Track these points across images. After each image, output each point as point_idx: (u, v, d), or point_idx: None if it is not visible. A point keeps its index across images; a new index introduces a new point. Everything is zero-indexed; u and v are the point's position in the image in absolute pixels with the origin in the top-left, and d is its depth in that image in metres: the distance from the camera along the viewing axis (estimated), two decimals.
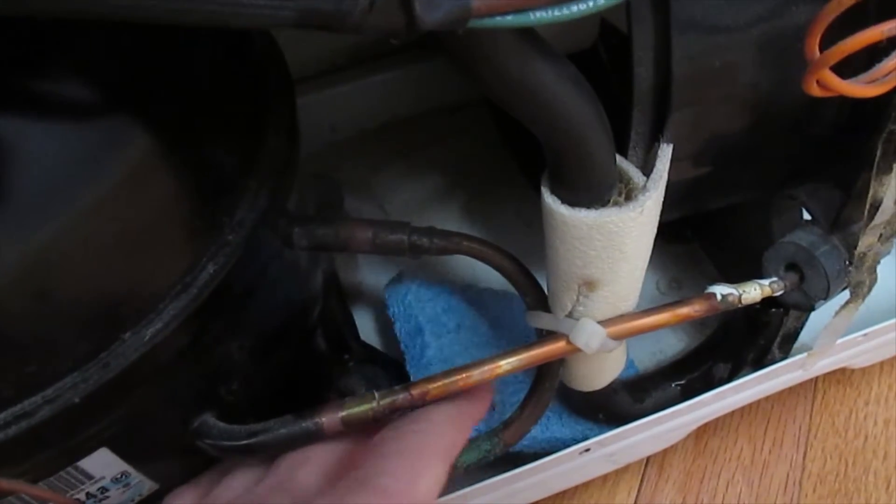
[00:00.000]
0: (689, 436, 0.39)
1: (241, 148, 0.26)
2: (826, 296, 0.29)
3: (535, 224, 0.47)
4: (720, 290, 0.28)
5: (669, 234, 0.44)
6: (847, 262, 0.29)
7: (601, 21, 0.37)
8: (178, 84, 0.25)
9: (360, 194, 0.50)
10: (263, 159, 0.26)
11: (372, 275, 0.45)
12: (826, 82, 0.21)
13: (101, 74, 0.23)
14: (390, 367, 0.37)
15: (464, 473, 0.30)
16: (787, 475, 0.40)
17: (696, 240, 0.43)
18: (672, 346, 0.41)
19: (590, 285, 0.26)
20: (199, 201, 0.24)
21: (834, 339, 0.34)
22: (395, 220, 0.29)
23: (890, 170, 0.25)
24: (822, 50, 0.20)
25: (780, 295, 0.29)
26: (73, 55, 0.23)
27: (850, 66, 0.21)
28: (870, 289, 0.30)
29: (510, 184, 0.49)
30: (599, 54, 0.40)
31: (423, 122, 0.54)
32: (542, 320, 0.29)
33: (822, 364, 0.37)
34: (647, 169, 0.25)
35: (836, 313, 0.31)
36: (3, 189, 0.21)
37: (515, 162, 0.48)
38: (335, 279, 0.40)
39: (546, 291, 0.29)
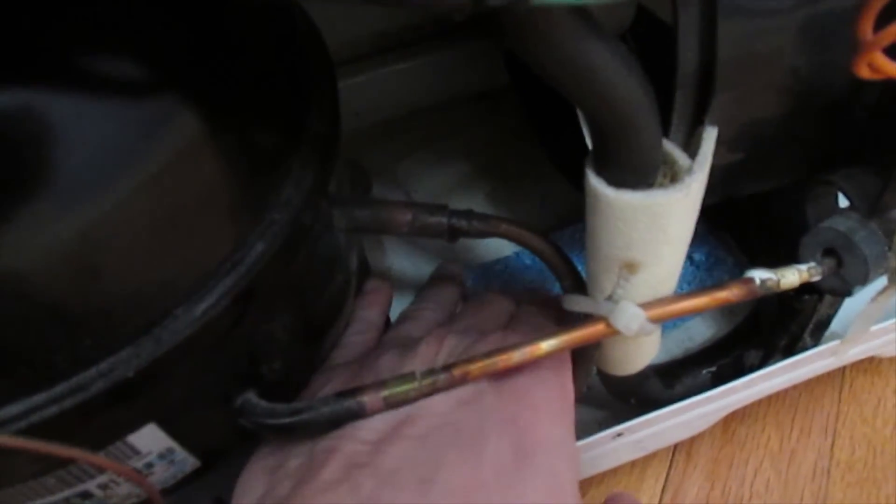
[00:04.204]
0: (716, 423, 0.39)
1: (285, 128, 0.26)
2: (865, 281, 0.29)
3: (561, 211, 0.47)
4: (759, 274, 0.28)
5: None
6: (886, 248, 0.29)
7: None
8: (223, 64, 0.25)
9: (386, 182, 0.50)
10: (307, 139, 0.26)
11: (399, 260, 0.45)
12: (877, 65, 0.21)
13: (149, 54, 0.23)
14: None
15: None
16: (816, 463, 0.40)
17: (724, 226, 0.43)
18: (701, 333, 0.41)
19: (631, 268, 0.26)
20: (246, 180, 0.24)
21: (867, 325, 0.34)
22: (433, 203, 0.29)
23: None
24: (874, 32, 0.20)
25: (818, 281, 0.29)
26: (121, 35, 0.23)
27: None
28: None
29: (536, 171, 0.49)
30: (627, 42, 0.40)
31: (447, 110, 0.55)
32: (580, 303, 0.29)
33: (854, 352, 0.38)
34: (689, 152, 0.25)
35: (873, 299, 0.31)
36: (55, 167, 0.21)
37: (544, 149, 0.48)
38: (366, 263, 0.40)
39: (584, 275, 0.29)
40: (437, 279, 0.39)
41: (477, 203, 0.49)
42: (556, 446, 0.27)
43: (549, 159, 0.47)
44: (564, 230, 0.44)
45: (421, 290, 0.38)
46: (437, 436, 0.25)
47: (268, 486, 0.25)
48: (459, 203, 0.48)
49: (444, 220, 0.29)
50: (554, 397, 0.28)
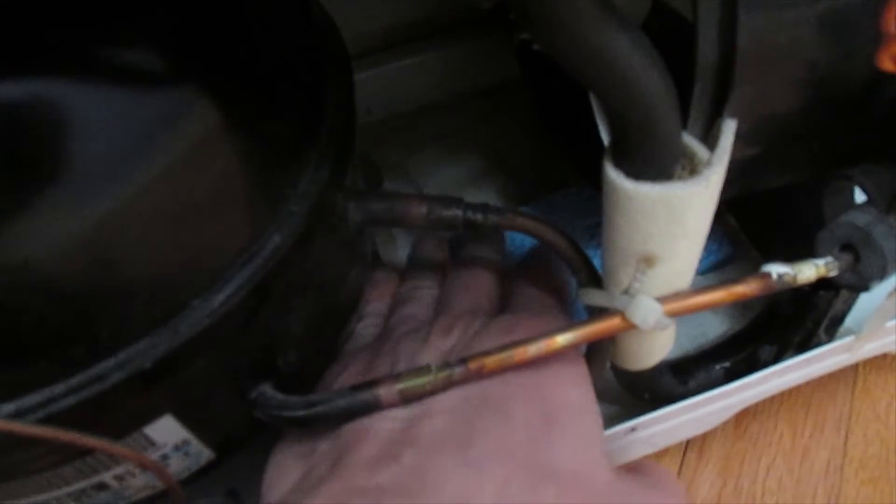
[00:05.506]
0: (729, 420, 0.39)
1: (302, 120, 0.26)
2: (882, 276, 0.29)
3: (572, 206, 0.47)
4: (776, 269, 0.28)
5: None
6: None
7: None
8: (240, 55, 0.25)
9: (397, 177, 0.50)
10: (324, 131, 0.26)
11: None
12: None
13: (167, 45, 0.23)
14: None
15: None
16: (829, 460, 0.39)
17: (737, 221, 0.43)
18: (714, 328, 0.41)
19: (648, 261, 0.26)
20: (263, 171, 0.24)
21: (884, 322, 0.33)
22: (448, 196, 0.29)
23: None
24: None
25: (835, 276, 0.29)
26: (140, 26, 0.23)
27: None
28: None
29: (546, 167, 0.49)
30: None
31: (458, 105, 0.54)
32: (596, 297, 0.28)
33: (868, 348, 0.37)
34: (708, 145, 0.25)
35: (889, 295, 0.31)
36: (72, 158, 0.21)
37: (555, 145, 0.48)
38: (377, 256, 0.40)
39: (600, 269, 0.29)
40: (421, 251, 0.39)
41: (488, 198, 0.48)
42: (582, 408, 0.27)
43: (561, 155, 0.47)
44: (556, 194, 0.45)
45: (408, 264, 0.38)
46: (466, 406, 0.26)
47: (304, 469, 0.25)
48: (471, 198, 0.49)
49: (459, 213, 0.29)
50: (573, 368, 0.28)
